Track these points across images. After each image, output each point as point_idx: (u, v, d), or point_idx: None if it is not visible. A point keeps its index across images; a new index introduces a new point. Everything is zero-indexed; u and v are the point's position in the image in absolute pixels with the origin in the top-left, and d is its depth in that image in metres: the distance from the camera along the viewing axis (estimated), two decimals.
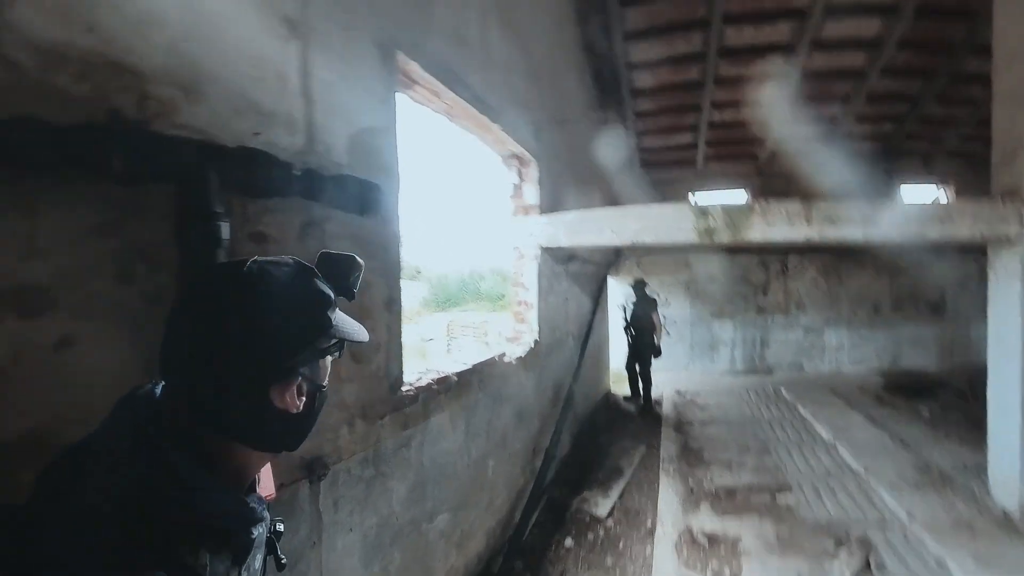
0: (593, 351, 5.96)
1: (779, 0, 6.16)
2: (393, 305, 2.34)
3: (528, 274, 4.30)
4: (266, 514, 0.75)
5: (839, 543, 3.41)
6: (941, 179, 9.42)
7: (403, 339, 2.45)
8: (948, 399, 6.94)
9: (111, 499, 0.59)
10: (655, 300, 7.35)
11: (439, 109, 3.18)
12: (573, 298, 5.47)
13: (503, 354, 3.54)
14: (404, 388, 2.38)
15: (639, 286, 7.35)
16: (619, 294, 8.59)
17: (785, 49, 6.76)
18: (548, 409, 4.47)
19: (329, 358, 0.80)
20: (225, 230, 1.34)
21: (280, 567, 0.84)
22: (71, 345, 1.13)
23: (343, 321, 0.79)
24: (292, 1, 1.76)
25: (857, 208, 3.66)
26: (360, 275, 1.06)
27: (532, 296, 4.25)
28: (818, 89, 7.40)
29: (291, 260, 0.76)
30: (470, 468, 2.96)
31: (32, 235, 1.07)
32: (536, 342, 4.15)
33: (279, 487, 1.64)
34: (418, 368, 2.84)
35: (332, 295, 0.78)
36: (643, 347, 7.11)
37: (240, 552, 0.69)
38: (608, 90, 7.51)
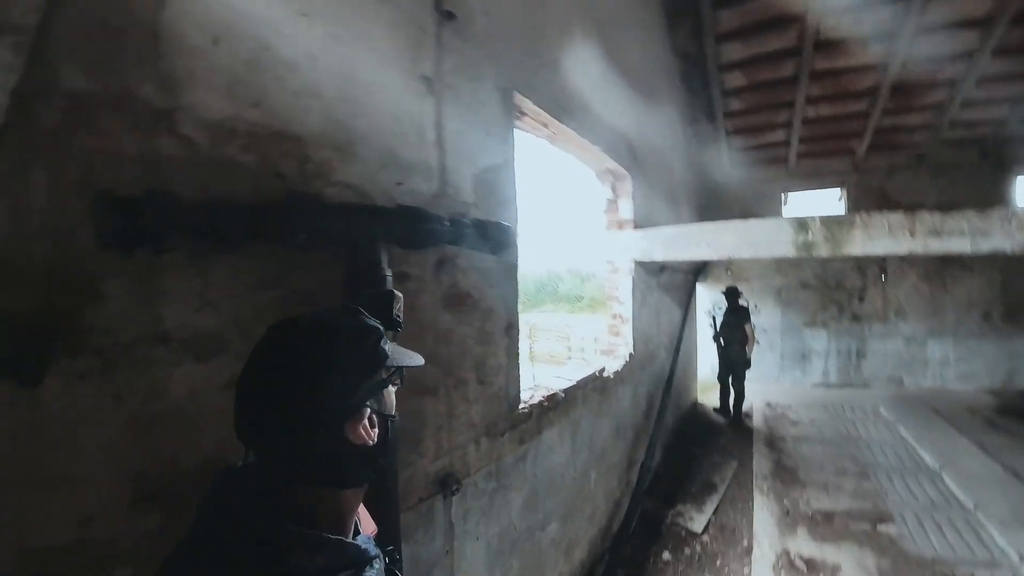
0: (682, 361, 5.93)
1: None
2: (511, 330, 2.52)
3: (623, 288, 4.37)
4: (377, 550, 0.78)
5: None
6: None
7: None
8: None
9: None
10: (747, 309, 7.08)
11: (543, 136, 3.32)
12: (664, 309, 5.48)
13: (603, 369, 3.66)
14: (520, 406, 2.56)
15: (731, 294, 7.11)
16: (707, 300, 8.39)
17: (887, 36, 6.35)
18: (642, 421, 4.55)
19: (392, 388, 0.84)
20: (390, 282, 1.55)
21: None
22: None
23: (396, 350, 0.83)
24: (428, 61, 1.96)
25: (965, 219, 3.38)
26: (401, 305, 1.15)
27: (627, 310, 4.33)
28: (922, 76, 6.88)
29: (338, 305, 0.84)
30: (576, 480, 3.12)
31: (204, 290, 1.21)
32: (631, 355, 4.23)
33: (417, 502, 1.86)
34: (527, 384, 3.02)
35: (381, 328, 0.82)
36: (734, 358, 6.90)
37: None
38: (698, 92, 7.39)
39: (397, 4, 1.79)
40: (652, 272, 4.92)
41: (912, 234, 3.48)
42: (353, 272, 1.45)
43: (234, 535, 0.66)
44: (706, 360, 8.43)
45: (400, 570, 0.90)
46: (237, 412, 0.74)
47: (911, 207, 8.10)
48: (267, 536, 0.66)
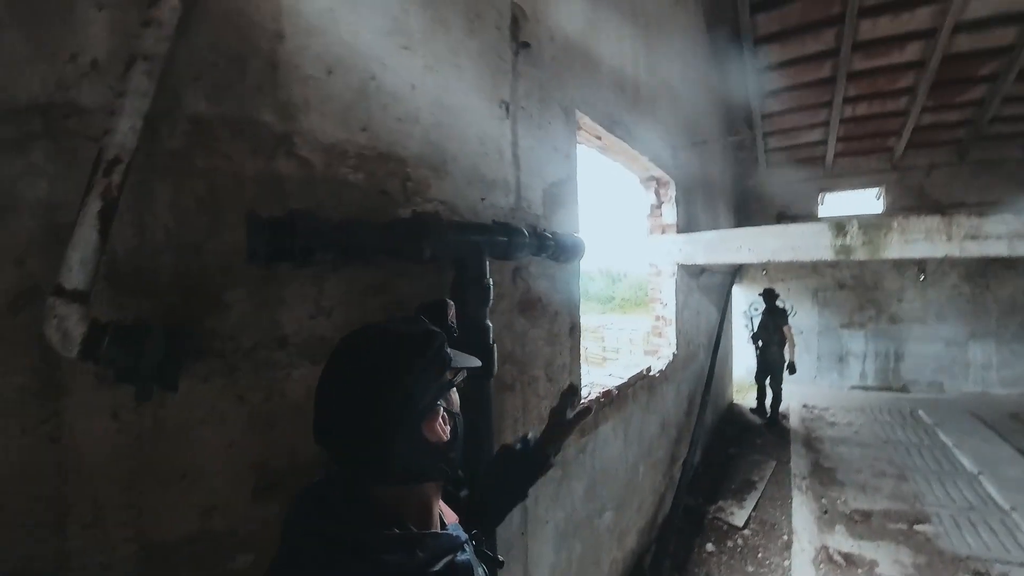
0: (719, 361, 6.04)
1: None
2: (574, 331, 2.71)
3: (666, 291, 4.54)
4: (464, 535, 0.85)
5: None
6: None
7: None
8: None
9: None
10: (785, 311, 7.08)
11: (595, 147, 3.51)
12: (703, 310, 5.62)
13: (649, 368, 3.83)
14: (581, 402, 2.76)
15: (768, 296, 7.14)
16: (743, 302, 8.43)
17: (925, 35, 6.33)
18: (683, 419, 4.72)
19: (455, 389, 0.88)
20: (491, 291, 1.72)
21: (500, 565, 0.95)
22: None
23: (456, 354, 0.87)
24: (506, 87, 2.15)
25: (1003, 222, 3.42)
26: (454, 314, 1.25)
27: (670, 312, 4.49)
28: (962, 72, 6.83)
29: (400, 316, 0.91)
30: (627, 472, 3.32)
31: (319, 298, 1.31)
32: (674, 355, 4.40)
33: None
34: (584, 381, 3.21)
35: (443, 334, 0.86)
36: (772, 359, 6.94)
37: (465, 574, 0.78)
38: (736, 94, 7.46)
39: (481, 37, 1.98)
40: (693, 274, 5.06)
41: (949, 238, 3.54)
42: (461, 281, 1.63)
43: (330, 547, 0.70)
44: (741, 361, 8.51)
45: (491, 548, 1.01)
46: (318, 418, 0.79)
47: (951, 205, 8.14)
48: (365, 543, 0.71)
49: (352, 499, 0.77)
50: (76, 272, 0.87)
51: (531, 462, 1.19)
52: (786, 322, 6.95)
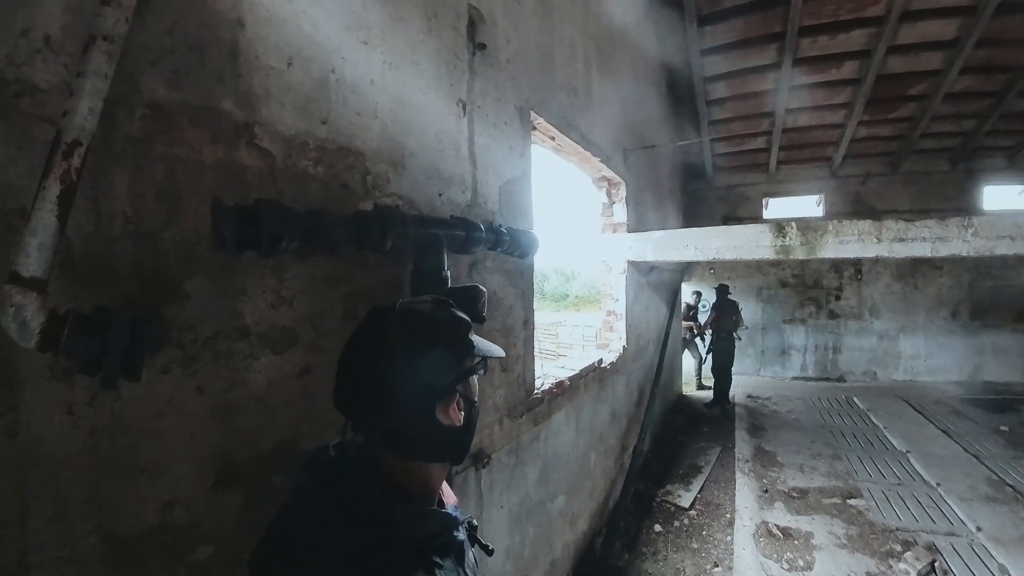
0: (668, 356, 6.32)
1: (854, 9, 6.23)
2: (528, 324, 2.83)
3: (617, 287, 4.74)
4: (461, 517, 0.85)
5: (906, 546, 3.68)
6: None
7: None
8: None
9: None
10: (736, 303, 7.70)
11: (550, 147, 3.65)
12: (653, 307, 5.87)
13: (600, 360, 4.01)
14: (535, 392, 2.89)
15: (722, 291, 7.67)
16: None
17: (860, 55, 6.83)
18: (634, 410, 4.93)
19: (475, 377, 0.88)
20: (449, 282, 1.74)
21: (488, 553, 0.93)
22: (309, 373, 1.37)
23: (481, 342, 0.87)
24: (463, 86, 2.23)
25: (926, 226, 3.75)
26: (485, 300, 1.28)
27: (621, 307, 4.69)
28: (894, 91, 7.40)
29: (429, 297, 0.90)
30: (579, 460, 3.47)
31: (279, 288, 1.31)
32: (624, 348, 4.60)
33: (455, 473, 2.09)
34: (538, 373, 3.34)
35: (469, 320, 0.88)
36: (723, 348, 7.45)
37: (458, 553, 0.81)
38: (684, 101, 7.81)
39: (439, 36, 2.03)
40: (643, 272, 5.30)
41: (879, 240, 3.85)
42: (419, 273, 1.69)
43: (339, 509, 0.73)
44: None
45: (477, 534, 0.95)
46: (339, 384, 0.82)
47: (886, 212, 8.74)
48: (375, 509, 0.73)
49: (361, 465, 0.79)
50: (34, 259, 0.82)
51: None
52: (737, 312, 7.56)
